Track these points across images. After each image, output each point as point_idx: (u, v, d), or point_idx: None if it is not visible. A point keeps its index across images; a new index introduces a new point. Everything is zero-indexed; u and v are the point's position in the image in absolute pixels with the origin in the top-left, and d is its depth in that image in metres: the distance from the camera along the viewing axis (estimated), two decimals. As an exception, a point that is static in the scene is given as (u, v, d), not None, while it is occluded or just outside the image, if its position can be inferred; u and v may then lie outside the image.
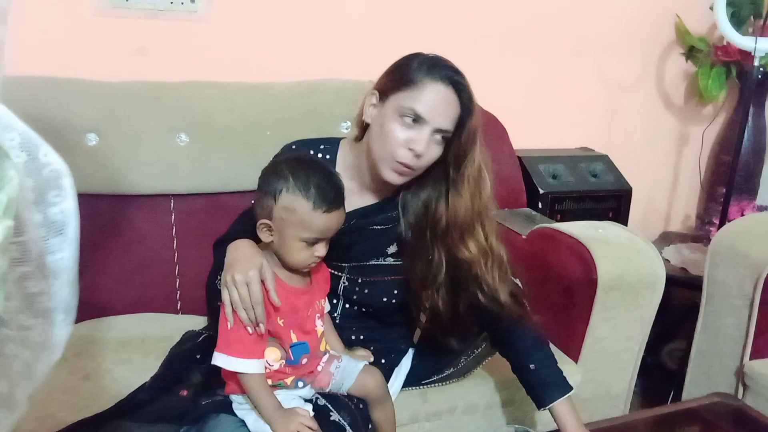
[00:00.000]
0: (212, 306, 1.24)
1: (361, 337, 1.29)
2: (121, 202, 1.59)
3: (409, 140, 1.12)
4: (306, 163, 1.07)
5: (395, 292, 1.27)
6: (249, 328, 1.01)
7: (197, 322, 1.47)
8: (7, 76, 1.54)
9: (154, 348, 1.37)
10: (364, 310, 1.29)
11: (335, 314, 1.28)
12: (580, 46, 2.25)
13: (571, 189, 2.05)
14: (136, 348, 1.40)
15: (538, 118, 2.24)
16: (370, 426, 1.17)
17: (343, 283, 1.26)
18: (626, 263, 1.43)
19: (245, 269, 1.01)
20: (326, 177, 1.04)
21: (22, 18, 1.61)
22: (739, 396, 1.56)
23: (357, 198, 1.25)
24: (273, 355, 1.06)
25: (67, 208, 0.69)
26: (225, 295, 1.02)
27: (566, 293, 1.45)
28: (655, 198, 2.54)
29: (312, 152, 1.28)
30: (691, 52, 2.29)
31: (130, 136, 1.57)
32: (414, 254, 1.24)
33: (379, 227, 1.26)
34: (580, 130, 2.33)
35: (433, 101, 1.12)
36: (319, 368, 1.13)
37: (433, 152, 1.15)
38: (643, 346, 1.51)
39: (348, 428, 1.07)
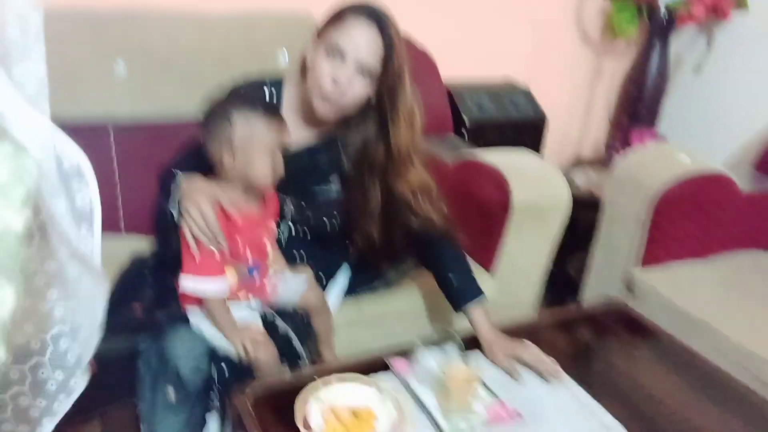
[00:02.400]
0: (160, 231, 1.35)
1: (304, 257, 1.41)
2: (63, 130, 1.62)
3: (334, 73, 1.23)
4: (244, 91, 1.22)
5: (333, 220, 1.41)
6: (215, 252, 1.12)
7: (142, 243, 1.54)
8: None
9: (104, 266, 1.45)
10: (306, 234, 1.41)
11: (280, 237, 1.40)
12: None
13: (494, 118, 2.20)
14: (88, 267, 1.48)
15: (467, 49, 2.35)
16: (311, 334, 1.33)
17: (290, 209, 1.37)
18: (537, 189, 1.61)
19: (198, 200, 1.11)
20: (262, 97, 1.24)
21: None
22: (626, 301, 1.81)
23: (303, 132, 1.36)
24: (231, 278, 1.18)
25: (90, 196, 0.79)
26: (184, 226, 1.12)
27: (484, 215, 1.63)
28: (570, 126, 2.74)
29: (257, 91, 1.36)
30: (608, -10, 2.43)
31: (68, 65, 1.58)
32: (352, 187, 1.37)
33: (323, 160, 1.37)
34: (505, 61, 2.47)
35: (355, 36, 1.22)
36: (267, 285, 1.27)
37: (357, 86, 1.25)
38: (550, 260, 1.73)
39: (294, 337, 1.23)
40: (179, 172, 1.21)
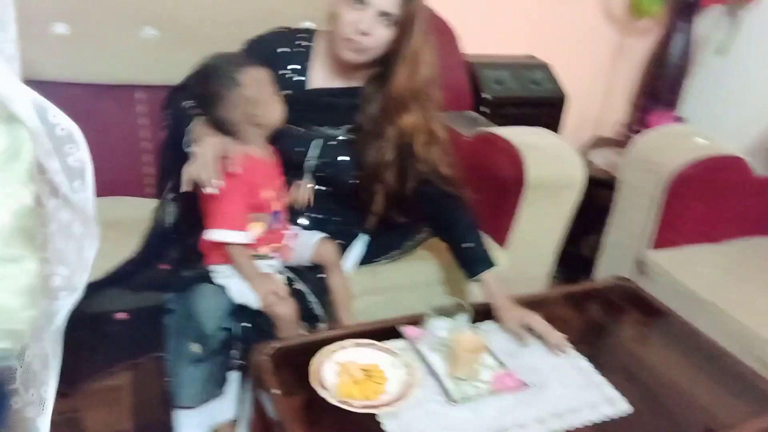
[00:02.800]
0: (166, 168, 1.47)
1: (320, 216, 1.46)
2: (90, 90, 1.66)
3: (356, 20, 1.29)
4: (219, 59, 1.26)
5: (352, 173, 1.45)
6: (208, 188, 1.18)
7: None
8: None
9: (130, 228, 1.49)
10: (328, 190, 1.45)
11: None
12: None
13: (513, 95, 2.21)
14: (114, 227, 1.50)
15: (490, 24, 2.35)
16: (328, 297, 1.37)
17: (312, 161, 1.41)
18: (551, 167, 1.64)
19: (204, 147, 1.20)
20: (235, 53, 1.33)
21: None
22: (638, 281, 1.84)
23: (329, 79, 1.43)
24: (257, 228, 1.25)
25: (82, 157, 0.86)
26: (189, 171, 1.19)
27: (499, 190, 1.66)
28: (590, 104, 2.73)
29: (291, 39, 1.46)
30: (634, -32, 2.40)
31: (100, 28, 1.62)
32: (367, 138, 1.42)
33: (339, 104, 1.43)
34: (528, 37, 2.46)
35: None
36: (285, 240, 1.33)
37: (379, 32, 1.31)
38: (562, 237, 1.75)
39: (313, 299, 1.28)
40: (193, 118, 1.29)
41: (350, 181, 1.45)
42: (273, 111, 1.26)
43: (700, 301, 1.64)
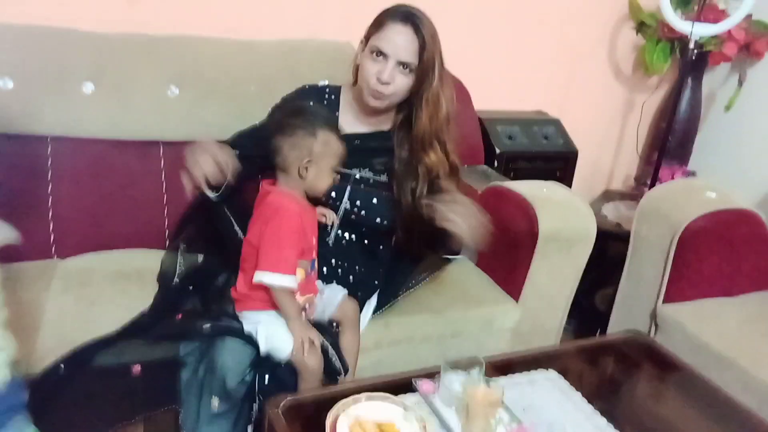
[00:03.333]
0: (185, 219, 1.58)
1: (345, 264, 1.49)
2: (116, 146, 1.72)
3: (378, 71, 1.40)
4: (316, 108, 1.37)
5: (386, 212, 1.51)
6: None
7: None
8: (4, 23, 1.67)
9: (149, 280, 1.52)
10: (354, 237, 1.50)
11: (328, 239, 1.49)
12: (542, 16, 2.41)
13: (524, 150, 2.25)
14: (134, 280, 1.56)
15: (501, 82, 2.42)
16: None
17: (345, 205, 1.48)
18: (564, 220, 1.66)
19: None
20: (333, 116, 1.38)
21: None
22: (652, 335, 1.83)
23: (357, 125, 1.54)
24: (300, 275, 1.28)
25: None
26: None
27: (512, 243, 1.67)
28: (600, 159, 2.78)
29: (320, 93, 1.58)
30: (641, 27, 2.47)
31: (125, 86, 1.70)
32: (403, 179, 1.50)
33: (371, 146, 1.52)
34: (538, 94, 2.53)
35: (393, 38, 1.40)
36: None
37: (399, 81, 1.42)
38: (574, 289, 1.76)
39: (330, 349, 1.29)
40: None
41: (383, 222, 1.51)
42: (321, 180, 1.30)
43: (716, 355, 1.62)
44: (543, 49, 2.46)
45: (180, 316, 1.38)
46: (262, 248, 1.24)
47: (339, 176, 1.33)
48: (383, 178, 1.52)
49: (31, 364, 1.26)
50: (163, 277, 1.52)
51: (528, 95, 2.50)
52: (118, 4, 1.83)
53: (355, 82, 1.53)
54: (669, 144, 2.26)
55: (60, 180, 1.68)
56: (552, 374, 1.32)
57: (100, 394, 1.16)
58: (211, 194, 1.38)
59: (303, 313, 1.32)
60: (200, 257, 1.49)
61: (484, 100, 2.24)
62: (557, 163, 2.33)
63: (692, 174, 2.43)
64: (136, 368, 1.22)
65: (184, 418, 1.19)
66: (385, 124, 1.55)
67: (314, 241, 1.34)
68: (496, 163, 2.19)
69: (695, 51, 2.06)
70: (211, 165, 1.33)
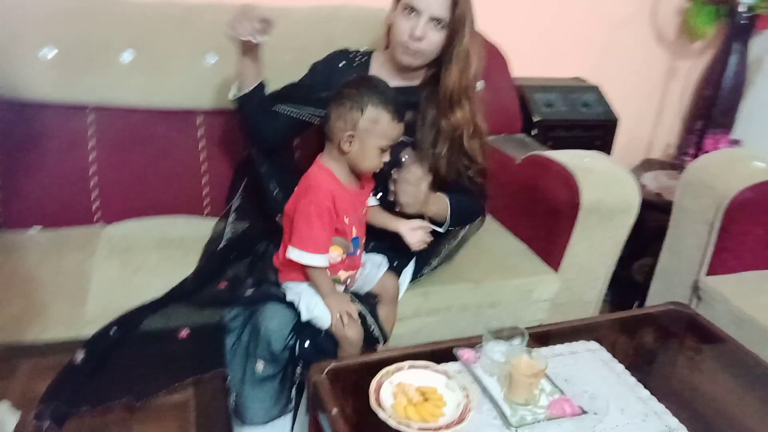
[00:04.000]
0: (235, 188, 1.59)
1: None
2: (155, 115, 1.74)
3: (411, 27, 1.40)
4: (379, 83, 1.28)
5: None
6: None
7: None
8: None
9: (192, 247, 1.55)
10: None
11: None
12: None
13: (563, 118, 2.21)
14: (176, 246, 1.59)
15: (539, 49, 2.37)
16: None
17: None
18: (606, 190, 1.63)
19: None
20: (395, 94, 1.26)
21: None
22: (694, 307, 1.80)
23: (388, 81, 1.47)
24: (335, 252, 1.28)
25: None
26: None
27: (552, 214, 1.66)
28: (640, 126, 2.71)
29: (351, 56, 1.58)
30: (687, -11, 2.39)
31: (163, 55, 1.71)
32: (427, 135, 1.49)
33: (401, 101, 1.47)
34: (576, 60, 2.46)
35: None
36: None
37: (432, 36, 1.41)
38: (615, 261, 1.74)
39: (372, 322, 1.31)
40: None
41: None
42: (364, 158, 1.25)
43: (760, 328, 1.59)
44: (582, 13, 2.39)
45: (224, 284, 1.40)
46: (294, 224, 1.24)
47: (388, 157, 1.28)
48: (409, 139, 1.49)
49: (81, 327, 1.30)
50: (211, 244, 1.55)
51: (567, 62, 2.44)
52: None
53: (388, 44, 1.52)
54: (713, 112, 2.19)
55: (101, 148, 1.70)
56: (593, 345, 1.31)
57: (150, 357, 1.19)
58: (262, 39, 1.36)
59: (344, 285, 1.33)
60: (247, 225, 1.51)
61: (522, 67, 2.19)
62: (596, 131, 2.28)
63: (737, 143, 2.35)
64: (184, 332, 1.25)
65: (231, 381, 1.22)
66: (414, 80, 1.54)
67: (354, 220, 1.30)
68: (534, 132, 2.15)
69: (743, 14, 1.97)
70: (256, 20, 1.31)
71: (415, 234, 1.36)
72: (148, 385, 1.10)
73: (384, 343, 1.36)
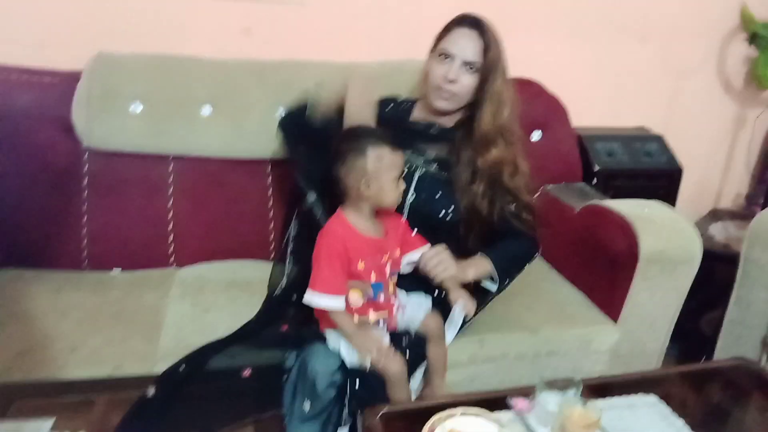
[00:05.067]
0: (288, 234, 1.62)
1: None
2: (229, 164, 1.85)
3: (445, 71, 1.50)
4: (362, 129, 1.40)
5: (450, 206, 1.54)
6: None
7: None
8: (134, 53, 1.84)
9: (257, 289, 1.62)
10: (417, 230, 1.52)
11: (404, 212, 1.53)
12: (645, 31, 2.35)
13: (625, 167, 2.20)
14: (242, 288, 1.67)
15: (601, 99, 2.38)
16: (425, 361, 1.42)
17: (410, 198, 1.53)
18: (667, 240, 1.61)
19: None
20: (382, 129, 1.41)
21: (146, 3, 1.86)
22: (763, 363, 1.73)
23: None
24: (355, 296, 1.33)
25: None
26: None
27: (611, 264, 1.65)
28: (708, 176, 2.65)
29: (397, 102, 1.70)
30: (754, 38, 2.35)
31: (238, 108, 1.83)
32: (463, 176, 1.54)
33: (433, 135, 1.59)
34: (639, 110, 2.45)
35: (458, 40, 1.50)
36: (393, 305, 1.40)
37: (465, 80, 1.50)
38: (677, 312, 1.70)
39: (408, 354, 1.33)
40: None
41: (447, 216, 1.54)
42: (386, 194, 1.33)
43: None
44: (646, 64, 2.40)
45: (285, 327, 1.46)
46: (313, 269, 1.31)
47: (404, 185, 1.37)
48: (444, 175, 1.56)
49: (155, 361, 1.38)
50: (271, 287, 1.61)
51: (630, 111, 2.44)
52: (233, 33, 1.97)
53: (425, 86, 1.60)
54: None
55: (179, 195, 1.83)
56: (652, 399, 1.29)
57: (215, 395, 1.25)
58: None
59: (376, 325, 1.37)
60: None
61: (584, 117, 2.22)
62: (660, 180, 2.25)
63: (811, 193, 2.27)
64: (246, 372, 1.31)
65: (286, 421, 1.27)
66: (449, 123, 1.60)
67: (373, 266, 1.34)
68: (595, 181, 2.15)
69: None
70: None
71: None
72: (212, 422, 1.16)
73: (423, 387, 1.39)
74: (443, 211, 1.54)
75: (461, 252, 1.54)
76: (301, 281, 1.57)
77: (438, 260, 1.43)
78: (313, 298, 1.28)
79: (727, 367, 1.48)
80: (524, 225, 1.58)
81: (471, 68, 1.49)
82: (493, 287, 1.51)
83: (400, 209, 1.50)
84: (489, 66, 1.49)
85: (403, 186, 1.36)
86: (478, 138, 1.52)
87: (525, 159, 1.58)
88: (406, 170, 1.44)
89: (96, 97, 1.74)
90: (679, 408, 1.25)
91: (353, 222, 1.34)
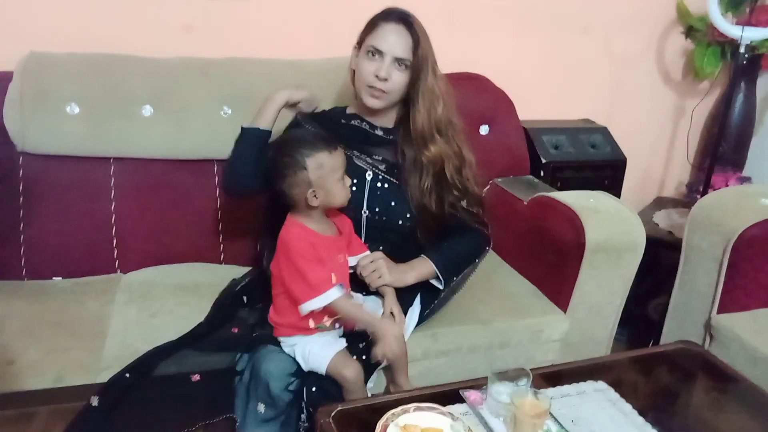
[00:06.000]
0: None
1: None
2: (173, 165, 1.81)
3: (375, 69, 1.46)
4: (296, 135, 1.41)
5: (406, 213, 1.53)
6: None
7: (239, 272, 1.70)
8: (69, 52, 1.78)
9: (207, 292, 1.60)
10: (382, 248, 1.51)
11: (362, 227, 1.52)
12: (588, 24, 2.40)
13: (571, 159, 2.24)
14: (191, 292, 1.64)
15: (546, 91, 2.42)
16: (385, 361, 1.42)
17: (365, 214, 1.51)
18: (611, 230, 1.65)
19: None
20: (314, 133, 1.41)
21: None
22: (706, 345, 1.79)
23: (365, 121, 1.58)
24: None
25: None
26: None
27: (559, 254, 1.68)
28: (651, 165, 2.73)
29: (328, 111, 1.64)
30: (690, 31, 2.43)
31: (181, 108, 1.78)
32: (410, 174, 1.53)
33: (379, 136, 1.56)
34: (584, 102, 2.51)
35: (387, 36, 1.46)
36: None
37: (396, 77, 1.47)
38: (624, 299, 1.74)
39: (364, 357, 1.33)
40: None
41: (405, 223, 1.53)
42: (335, 196, 1.32)
43: (776, 367, 1.58)
44: (589, 56, 2.45)
45: (236, 329, 1.44)
46: (291, 288, 1.29)
47: (353, 180, 1.37)
48: (393, 178, 1.54)
49: (99, 371, 1.34)
50: (229, 288, 1.60)
51: (574, 104, 2.49)
52: (174, 30, 1.92)
53: (353, 84, 1.56)
54: (722, 150, 2.21)
55: (122, 198, 1.77)
56: (602, 385, 1.31)
57: (163, 402, 1.22)
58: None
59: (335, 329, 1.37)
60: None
61: (530, 110, 2.24)
62: (605, 171, 2.30)
63: (747, 180, 2.36)
64: (196, 377, 1.28)
65: (239, 426, 1.25)
66: (389, 123, 1.59)
67: (334, 267, 1.33)
68: (542, 173, 2.19)
69: (746, 55, 2.01)
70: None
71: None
72: (161, 429, 1.13)
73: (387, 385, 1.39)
74: (400, 221, 1.53)
75: (420, 252, 1.55)
76: (258, 283, 1.56)
77: (373, 267, 1.43)
78: (310, 305, 1.27)
79: (673, 351, 1.51)
80: (475, 219, 1.59)
81: (401, 65, 1.47)
82: (440, 285, 1.51)
83: (357, 226, 1.49)
84: (420, 62, 1.46)
85: (348, 181, 1.35)
86: (416, 136, 1.50)
87: (470, 151, 1.58)
88: (356, 180, 1.45)
89: (29, 99, 1.67)
90: (628, 393, 1.28)
91: (310, 225, 1.33)
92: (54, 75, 1.71)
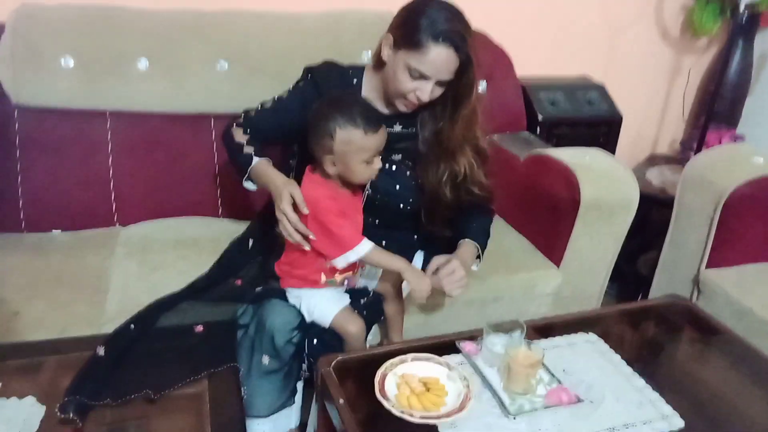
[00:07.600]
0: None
1: (383, 243, 1.50)
2: (170, 120, 1.80)
3: (416, 89, 1.34)
4: (345, 100, 1.28)
5: (408, 197, 1.50)
6: (304, 246, 1.26)
7: (238, 226, 1.71)
8: (61, 3, 1.75)
9: (206, 246, 1.62)
10: (377, 221, 1.50)
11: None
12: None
13: (568, 115, 2.24)
14: (191, 246, 1.65)
15: (544, 47, 2.41)
16: (382, 318, 1.47)
17: (367, 191, 1.46)
18: (606, 188, 1.67)
19: (278, 204, 1.27)
20: (365, 106, 1.28)
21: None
22: (694, 299, 1.84)
23: (380, 108, 1.46)
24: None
25: None
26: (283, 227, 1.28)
27: (553, 210, 1.70)
28: (647, 123, 2.74)
29: (342, 74, 1.50)
30: (690, -14, 2.41)
31: (177, 62, 1.77)
32: (428, 162, 1.47)
33: (396, 131, 1.48)
34: (581, 59, 2.50)
35: (435, 62, 1.30)
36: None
37: (436, 93, 1.37)
38: (615, 255, 1.77)
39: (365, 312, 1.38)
40: (253, 155, 1.38)
41: (406, 207, 1.50)
42: (352, 174, 1.27)
43: (759, 320, 1.63)
44: (587, 12, 2.43)
45: (239, 281, 1.46)
46: (321, 245, 1.27)
47: (380, 164, 1.29)
48: (407, 162, 1.50)
49: (101, 324, 1.37)
50: (238, 242, 1.60)
51: (572, 60, 2.48)
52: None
53: (378, 67, 1.45)
54: (717, 108, 2.22)
55: (119, 152, 1.77)
56: (592, 337, 1.36)
57: (167, 353, 1.25)
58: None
59: (344, 286, 1.39)
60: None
61: (527, 66, 2.24)
62: (601, 128, 2.31)
63: (741, 138, 2.37)
64: (199, 328, 1.31)
65: (242, 375, 1.28)
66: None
67: (351, 222, 1.32)
68: (538, 130, 2.19)
69: (746, 12, 2.00)
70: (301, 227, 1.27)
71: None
72: (165, 379, 1.15)
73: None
74: (401, 204, 1.50)
75: (420, 233, 1.56)
76: (263, 236, 1.56)
77: (459, 276, 1.41)
78: (346, 258, 1.27)
79: (662, 304, 1.56)
80: (484, 193, 1.54)
81: (443, 83, 1.36)
82: (477, 268, 1.53)
83: None
84: (463, 88, 1.36)
85: (378, 165, 1.28)
86: (444, 147, 1.44)
87: (486, 142, 1.53)
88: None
89: (21, 52, 1.65)
90: (617, 344, 1.32)
91: (332, 182, 1.30)
92: (46, 27, 1.68)
